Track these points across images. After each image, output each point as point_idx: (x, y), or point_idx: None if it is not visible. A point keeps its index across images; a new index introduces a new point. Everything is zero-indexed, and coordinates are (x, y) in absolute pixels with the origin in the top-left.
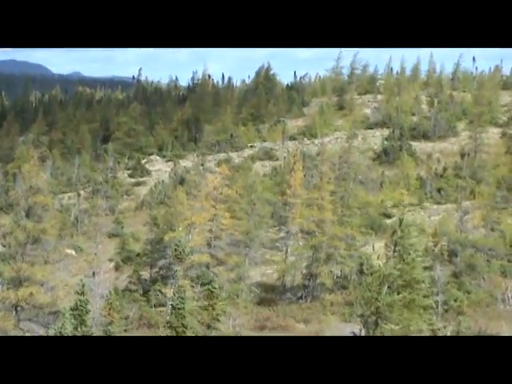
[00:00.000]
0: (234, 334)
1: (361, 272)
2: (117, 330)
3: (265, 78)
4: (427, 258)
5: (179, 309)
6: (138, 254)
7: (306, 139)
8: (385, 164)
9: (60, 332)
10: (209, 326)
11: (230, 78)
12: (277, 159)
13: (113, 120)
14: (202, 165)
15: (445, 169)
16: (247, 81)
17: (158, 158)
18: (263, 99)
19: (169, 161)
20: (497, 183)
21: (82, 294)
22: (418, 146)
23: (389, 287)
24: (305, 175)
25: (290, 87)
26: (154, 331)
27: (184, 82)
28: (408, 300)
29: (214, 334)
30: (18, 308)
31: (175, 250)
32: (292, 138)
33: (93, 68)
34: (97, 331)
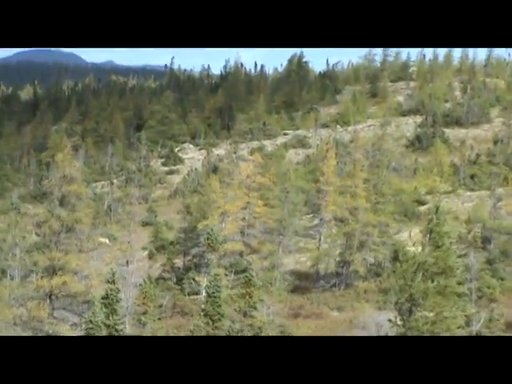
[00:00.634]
0: (269, 322)
1: (394, 259)
2: (151, 319)
3: (297, 65)
4: (461, 245)
5: (215, 297)
6: (171, 243)
7: (338, 127)
8: (418, 151)
9: (91, 321)
10: (245, 314)
11: (262, 66)
12: (310, 147)
13: (146, 108)
14: (235, 153)
15: (478, 155)
16: (280, 69)
17: (190, 146)
18: (296, 87)
19: (202, 149)
20: None
21: (113, 282)
22: (452, 132)
23: (423, 274)
24: (338, 163)
25: (322, 75)
26: (187, 319)
27: (216, 70)
28: (442, 287)
29: (249, 322)
30: (53, 297)
31: (207, 238)
32: (325, 126)
33: (125, 57)
34: (131, 320)
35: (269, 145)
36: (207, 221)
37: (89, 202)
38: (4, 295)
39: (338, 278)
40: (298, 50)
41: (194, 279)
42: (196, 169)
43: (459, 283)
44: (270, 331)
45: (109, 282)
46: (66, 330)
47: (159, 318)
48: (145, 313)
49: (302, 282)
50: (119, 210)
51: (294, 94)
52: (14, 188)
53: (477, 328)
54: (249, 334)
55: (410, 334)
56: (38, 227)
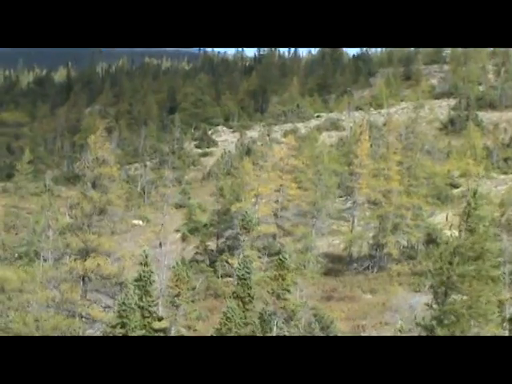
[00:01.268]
0: (302, 305)
1: (428, 242)
2: (184, 301)
3: (331, 48)
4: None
5: (245, 279)
6: (204, 225)
7: (372, 109)
8: (451, 134)
9: (124, 303)
10: (278, 297)
11: (296, 49)
12: (343, 129)
13: (179, 90)
14: (269, 135)
15: (511, 138)
16: (313, 52)
17: (224, 128)
18: (330, 70)
19: (235, 131)
20: None
21: (146, 264)
22: (485, 115)
23: (460, 258)
24: (371, 145)
25: (356, 58)
26: (220, 301)
27: (250, 53)
28: (479, 271)
29: (282, 304)
30: (86, 279)
31: (242, 220)
32: (358, 109)
33: None
34: (164, 302)
35: (302, 127)
36: (240, 203)
37: (122, 185)
38: (37, 277)
39: (371, 260)
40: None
41: (227, 261)
42: (229, 151)
43: (494, 267)
44: (303, 314)
45: (142, 264)
46: (98, 312)
47: (192, 301)
48: (178, 295)
49: (335, 265)
50: (153, 192)
51: (328, 76)
52: (47, 170)
53: (511, 312)
54: (282, 317)
55: (445, 317)
56: (70, 209)
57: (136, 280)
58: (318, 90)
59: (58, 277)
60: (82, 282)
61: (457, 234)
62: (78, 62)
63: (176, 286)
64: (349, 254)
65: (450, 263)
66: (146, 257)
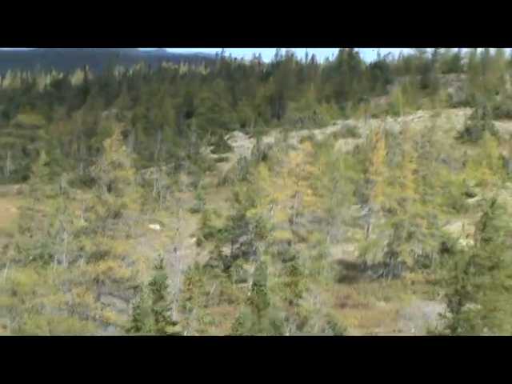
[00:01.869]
0: (315, 311)
1: (442, 251)
2: (196, 306)
3: (348, 55)
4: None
5: (261, 285)
6: (219, 230)
7: (388, 117)
8: (467, 143)
9: (138, 306)
10: (291, 303)
11: (313, 56)
12: (359, 137)
13: (196, 95)
14: (285, 141)
15: None
16: (331, 58)
17: (240, 133)
18: (347, 77)
19: (251, 137)
20: None
21: (161, 268)
22: (501, 125)
23: (475, 267)
24: (387, 153)
25: (373, 65)
26: (234, 307)
27: (267, 59)
28: (494, 281)
29: (295, 310)
30: (99, 282)
31: (256, 226)
32: (375, 116)
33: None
34: (177, 306)
35: (318, 134)
36: (256, 209)
37: (137, 188)
38: (51, 280)
39: (385, 268)
40: None
41: (241, 267)
42: (245, 157)
43: (509, 277)
44: (317, 320)
45: (157, 268)
46: (112, 315)
47: (205, 305)
48: (190, 299)
49: (350, 272)
50: (168, 197)
51: (345, 83)
52: (63, 173)
53: None
54: (294, 323)
55: (459, 326)
56: (85, 212)
57: (150, 284)
58: (335, 96)
59: (71, 279)
60: (95, 285)
61: (472, 243)
62: (95, 66)
63: (189, 289)
64: (363, 261)
65: (466, 272)
66: (161, 261)
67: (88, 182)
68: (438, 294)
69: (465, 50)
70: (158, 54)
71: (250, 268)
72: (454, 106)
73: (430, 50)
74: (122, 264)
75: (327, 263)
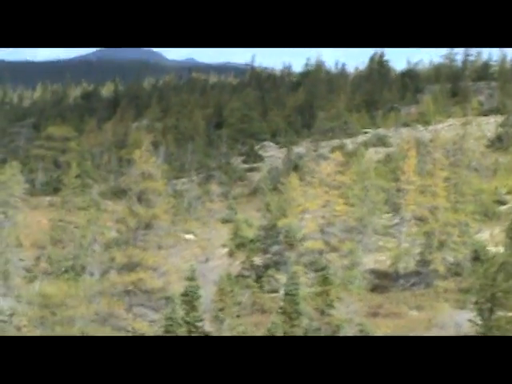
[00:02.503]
0: (348, 321)
1: (474, 259)
2: (229, 316)
3: (378, 64)
4: None
5: (293, 295)
6: (251, 240)
7: (419, 126)
8: (499, 151)
9: (170, 318)
10: (323, 312)
11: (343, 65)
12: (390, 146)
13: (226, 106)
14: (316, 151)
15: None
16: (361, 67)
17: (271, 144)
18: (377, 86)
19: (282, 147)
20: None
21: (193, 279)
22: None
23: (505, 274)
24: (418, 162)
25: (403, 74)
26: (266, 317)
27: (297, 68)
28: None
29: (327, 320)
30: (131, 293)
31: (286, 236)
32: (405, 125)
33: (207, 54)
34: (209, 317)
35: (349, 143)
36: (287, 219)
37: (169, 199)
38: (83, 291)
39: (417, 277)
40: (378, 49)
41: (273, 277)
42: (276, 167)
43: None
44: (349, 330)
45: (189, 278)
46: (143, 326)
47: (238, 316)
48: (222, 309)
49: (382, 281)
50: (199, 207)
51: (375, 92)
52: (94, 184)
53: None
54: (326, 333)
55: (490, 333)
56: (117, 223)
57: (182, 295)
58: (366, 106)
59: (103, 291)
60: (127, 297)
61: (502, 250)
62: (124, 77)
63: (221, 300)
64: (395, 270)
65: (495, 279)
66: (194, 271)
67: (119, 194)
68: (470, 302)
69: (495, 58)
70: (188, 64)
71: (282, 278)
72: (485, 114)
73: (459, 58)
74: (154, 275)
75: (359, 272)
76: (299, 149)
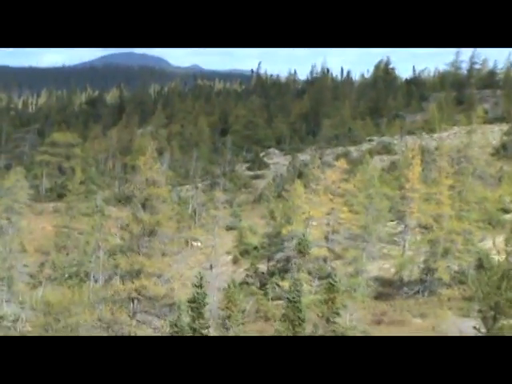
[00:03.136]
0: (351, 328)
1: (479, 267)
2: (235, 324)
3: (384, 72)
4: None
5: (295, 302)
6: (255, 247)
7: (424, 134)
8: (504, 159)
9: (175, 324)
10: (328, 320)
11: (348, 72)
12: (395, 153)
13: (231, 113)
14: (321, 158)
15: None
16: (366, 75)
17: (276, 151)
18: (382, 93)
19: (287, 154)
20: None
21: (200, 286)
22: None
23: (508, 283)
24: (423, 170)
25: (408, 81)
26: (270, 324)
27: (303, 75)
28: None
29: (332, 327)
30: (135, 300)
31: (299, 244)
32: (410, 133)
33: (212, 61)
34: (214, 324)
35: (354, 151)
36: (291, 226)
37: (173, 206)
38: (86, 297)
39: (421, 285)
40: (384, 56)
41: (277, 284)
42: (281, 174)
43: None
44: None
45: (196, 285)
46: (147, 333)
47: (242, 323)
48: (228, 317)
49: (386, 289)
50: (203, 214)
51: (380, 100)
52: (98, 191)
53: None
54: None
55: None
56: (121, 230)
57: (190, 301)
58: (370, 113)
59: (106, 297)
60: (131, 303)
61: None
62: (130, 83)
63: (227, 308)
64: (399, 278)
65: (498, 288)
66: (201, 279)
67: (123, 200)
68: (474, 311)
69: (500, 66)
70: (193, 70)
71: (286, 285)
72: (490, 122)
73: (464, 66)
74: (158, 282)
75: (363, 280)
76: (304, 156)
